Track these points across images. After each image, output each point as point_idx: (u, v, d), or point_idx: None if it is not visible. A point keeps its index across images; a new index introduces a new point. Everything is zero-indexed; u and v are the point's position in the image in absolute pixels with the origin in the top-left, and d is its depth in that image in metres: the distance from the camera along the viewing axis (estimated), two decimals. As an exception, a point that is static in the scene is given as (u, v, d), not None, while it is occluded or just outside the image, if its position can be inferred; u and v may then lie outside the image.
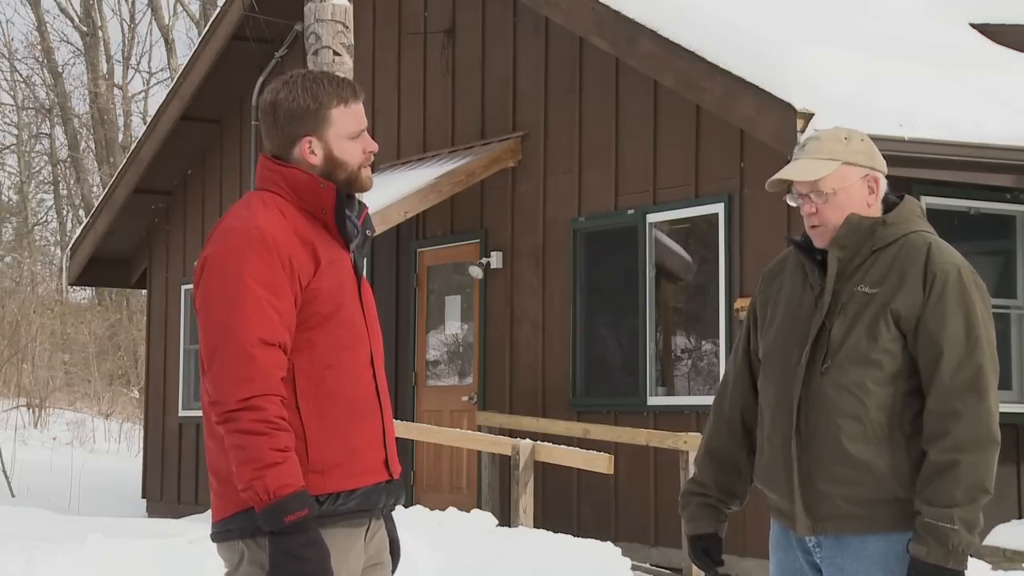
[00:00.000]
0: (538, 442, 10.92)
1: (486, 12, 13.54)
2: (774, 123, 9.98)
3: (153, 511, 17.40)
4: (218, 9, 16.72)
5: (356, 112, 3.63)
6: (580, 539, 9.51)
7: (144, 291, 19.47)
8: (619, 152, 11.99)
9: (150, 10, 35.59)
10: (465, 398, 13.23)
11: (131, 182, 17.47)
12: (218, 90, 16.43)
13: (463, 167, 12.83)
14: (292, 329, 3.47)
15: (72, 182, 36.51)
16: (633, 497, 11.56)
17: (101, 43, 35.33)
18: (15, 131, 37.28)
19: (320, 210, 3.57)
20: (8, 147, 37.55)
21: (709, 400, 11.03)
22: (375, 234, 3.81)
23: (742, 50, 10.50)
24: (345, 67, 9.82)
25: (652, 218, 11.68)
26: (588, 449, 10.86)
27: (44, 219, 37.96)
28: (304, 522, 3.35)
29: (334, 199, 3.57)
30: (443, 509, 10.04)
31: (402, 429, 11.65)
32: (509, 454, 10.94)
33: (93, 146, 35.93)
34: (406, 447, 13.42)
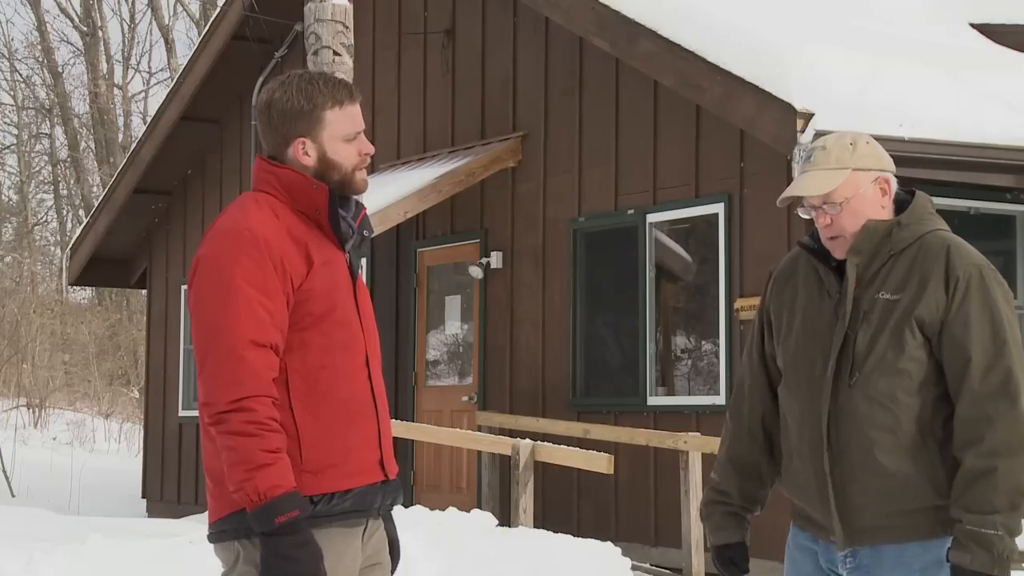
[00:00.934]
0: (538, 442, 10.92)
1: (486, 12, 13.53)
2: (774, 123, 9.97)
3: (153, 511, 17.40)
4: (218, 9, 16.72)
5: (351, 114, 3.62)
6: (580, 539, 9.51)
7: (144, 291, 19.47)
8: (619, 152, 11.99)
9: (150, 10, 35.60)
10: (465, 398, 13.23)
11: (131, 182, 17.47)
12: (218, 90, 16.43)
13: (463, 167, 12.83)
14: (284, 330, 3.47)
15: (72, 182, 36.51)
16: (633, 497, 11.56)
17: (101, 43, 35.33)
18: (15, 131, 37.29)
19: (314, 211, 3.57)
20: (8, 147, 37.57)
21: (709, 400, 11.05)
22: (373, 235, 3.80)
23: (742, 50, 10.50)
24: (345, 67, 9.82)
25: (652, 218, 11.68)
26: (588, 449, 10.86)
27: (44, 219, 37.97)
28: (295, 523, 3.35)
29: (327, 200, 3.56)
30: (443, 509, 10.04)
31: (402, 429, 11.65)
32: (509, 454, 10.94)
33: (93, 146, 35.93)
34: (406, 447, 13.42)
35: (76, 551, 8.38)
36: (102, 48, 35.40)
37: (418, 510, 10.07)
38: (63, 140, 36.15)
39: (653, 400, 11.58)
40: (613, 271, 12.06)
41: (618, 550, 9.44)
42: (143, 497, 17.91)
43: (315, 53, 9.85)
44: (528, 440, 10.91)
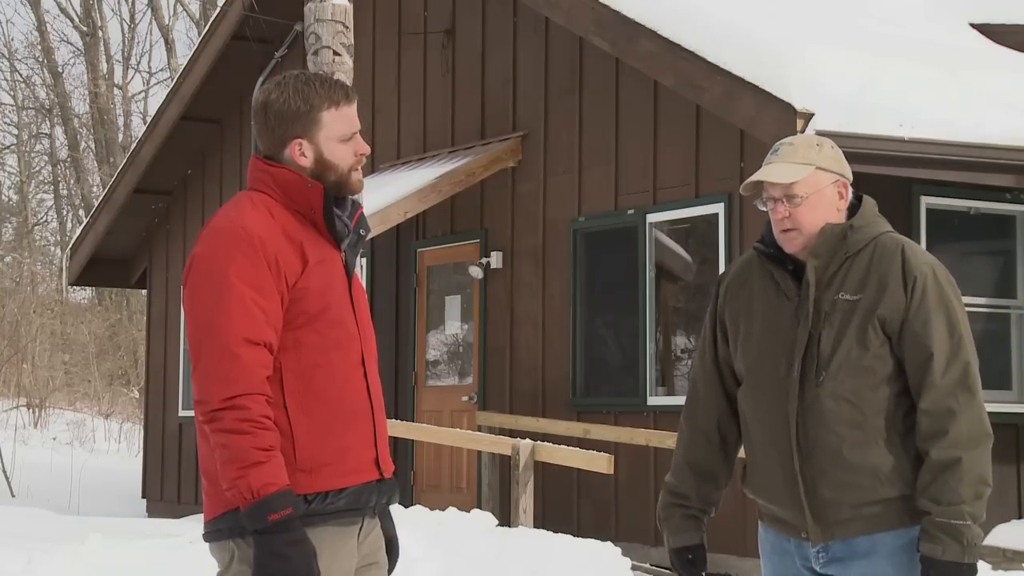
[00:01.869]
0: (538, 442, 10.92)
1: (486, 12, 13.53)
2: (774, 123, 9.97)
3: (153, 511, 17.40)
4: (218, 9, 16.72)
5: (347, 115, 3.62)
6: (580, 539, 9.51)
7: (144, 291, 19.48)
8: (619, 152, 11.98)
9: (150, 10, 35.61)
10: (465, 398, 13.23)
11: (131, 182, 17.47)
12: (218, 90, 16.43)
13: (463, 167, 12.83)
14: (278, 328, 3.47)
15: (72, 182, 36.52)
16: (633, 497, 11.56)
17: (101, 43, 35.33)
18: (15, 131, 37.30)
19: (309, 210, 3.57)
20: (8, 147, 37.57)
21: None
22: (370, 234, 3.80)
23: (742, 50, 10.50)
24: (345, 67, 9.82)
25: (652, 218, 11.68)
26: (588, 449, 10.86)
27: (44, 219, 37.97)
28: (288, 521, 3.35)
29: (322, 199, 3.57)
30: (443, 509, 10.04)
31: (402, 429, 11.65)
32: (509, 454, 10.94)
33: (93, 146, 35.94)
34: (406, 447, 13.42)
35: (76, 551, 8.39)
36: (102, 48, 35.41)
37: (418, 510, 10.07)
38: (63, 140, 36.17)
39: (653, 400, 11.58)
40: (613, 271, 12.06)
41: (618, 550, 9.43)
42: (143, 497, 17.91)
43: (315, 53, 9.85)
44: (528, 440, 10.91)
